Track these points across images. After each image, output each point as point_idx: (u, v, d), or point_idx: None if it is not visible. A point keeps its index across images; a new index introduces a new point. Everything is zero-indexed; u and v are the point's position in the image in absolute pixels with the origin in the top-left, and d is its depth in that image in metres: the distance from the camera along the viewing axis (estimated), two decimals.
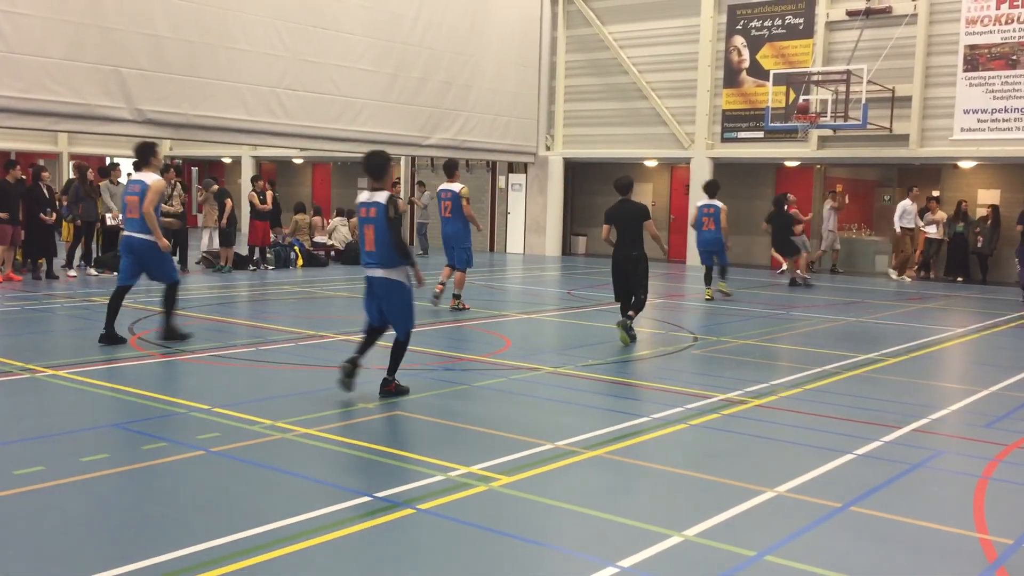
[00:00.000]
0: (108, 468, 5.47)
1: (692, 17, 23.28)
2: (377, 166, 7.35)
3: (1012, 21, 19.28)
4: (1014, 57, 19.28)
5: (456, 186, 13.08)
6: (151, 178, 9.52)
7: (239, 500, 5.06)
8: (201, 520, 4.70)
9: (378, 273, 7.37)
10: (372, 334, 7.67)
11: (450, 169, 13.21)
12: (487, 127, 23.36)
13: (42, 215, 15.43)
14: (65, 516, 4.73)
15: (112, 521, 4.69)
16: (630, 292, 10.66)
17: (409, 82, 20.98)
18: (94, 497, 5.03)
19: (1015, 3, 19.25)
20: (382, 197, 7.28)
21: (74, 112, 15.41)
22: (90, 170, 17.29)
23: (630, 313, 10.60)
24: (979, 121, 19.74)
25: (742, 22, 22.68)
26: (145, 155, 9.69)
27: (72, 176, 18.09)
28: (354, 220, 22.11)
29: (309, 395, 7.63)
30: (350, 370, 7.37)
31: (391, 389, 7.54)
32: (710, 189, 15.94)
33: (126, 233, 9.74)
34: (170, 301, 9.71)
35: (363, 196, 7.41)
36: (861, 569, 4.31)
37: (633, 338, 10.60)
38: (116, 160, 20.83)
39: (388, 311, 7.46)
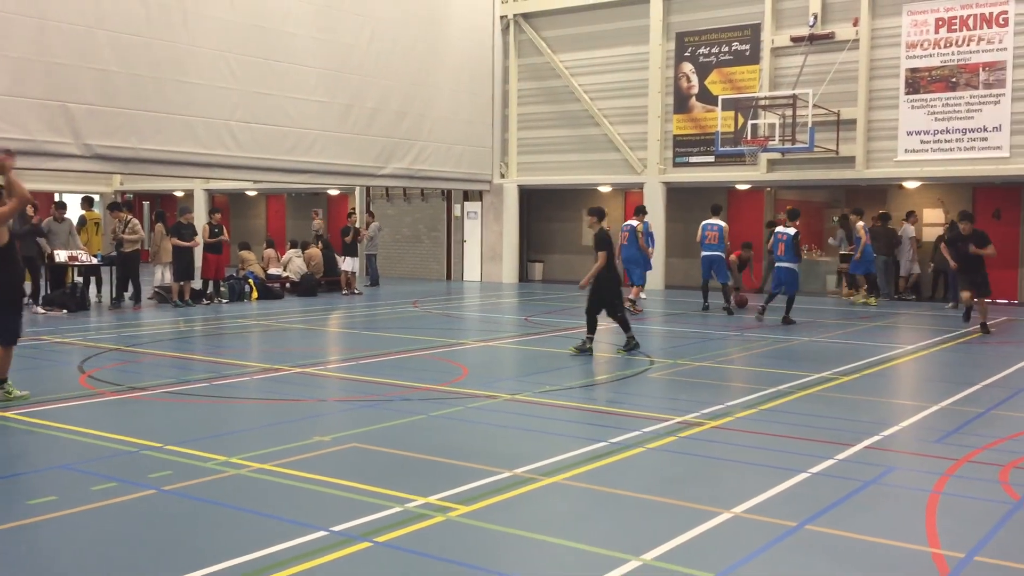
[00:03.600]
0: (56, 511, 5.35)
1: (641, 45, 23.62)
2: (796, 214, 16.06)
3: (951, 44, 19.83)
4: (953, 79, 19.81)
5: (634, 222, 17.46)
6: (725, 224, 17.27)
7: (192, 539, 4.98)
8: (154, 561, 4.61)
9: (785, 264, 15.51)
10: (771, 299, 16.07)
11: (639, 211, 17.71)
12: (442, 156, 23.43)
13: None
14: (9, 561, 4.61)
15: (61, 565, 4.58)
16: (599, 309, 11.92)
17: (363, 112, 20.99)
18: (41, 540, 4.92)
19: (953, 27, 19.82)
20: (791, 230, 15.51)
21: (20, 148, 15.07)
22: (29, 206, 16.91)
23: (629, 336, 12.13)
24: (922, 142, 20.23)
25: (690, 49, 23.06)
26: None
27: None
28: (311, 251, 22.05)
29: (264, 429, 7.55)
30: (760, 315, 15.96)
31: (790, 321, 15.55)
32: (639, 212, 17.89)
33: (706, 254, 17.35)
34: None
35: (780, 228, 15.99)
36: None
37: (634, 346, 12.09)
38: (63, 199, 20.44)
39: (786, 283, 15.58)
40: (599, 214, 12.03)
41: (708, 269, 17.90)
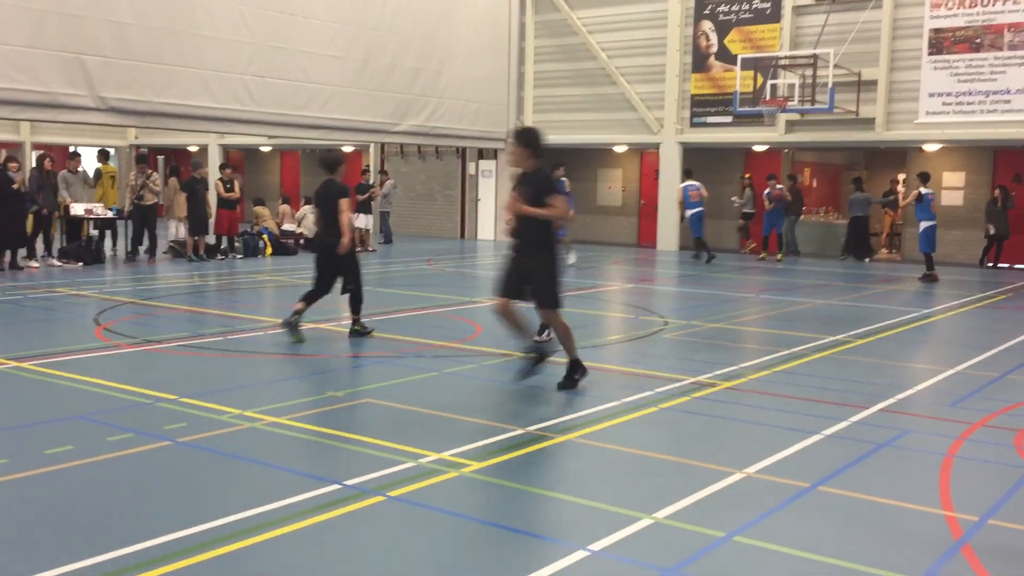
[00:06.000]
0: (73, 460, 5.40)
1: (660, 2, 23.27)
2: (928, 177, 16.94)
3: (976, 4, 19.45)
4: (978, 40, 19.46)
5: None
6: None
7: (207, 490, 5.02)
8: (168, 511, 4.65)
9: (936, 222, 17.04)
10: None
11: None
12: (457, 113, 23.25)
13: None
14: (29, 509, 4.66)
15: (78, 513, 4.63)
16: (330, 285, 9.56)
17: (379, 68, 20.81)
18: (59, 489, 4.96)
19: None
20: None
21: (36, 100, 15.15)
22: (48, 159, 16.95)
23: (355, 318, 9.68)
24: (944, 104, 19.93)
25: (710, 7, 22.71)
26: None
27: (34, 166, 17.76)
28: None
29: (277, 383, 7.58)
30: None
31: None
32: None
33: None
34: None
35: (923, 190, 16.55)
36: (829, 548, 4.35)
37: (365, 332, 9.60)
38: (78, 149, 20.46)
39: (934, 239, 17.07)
40: (333, 165, 9.59)
41: (699, 224, 20.46)
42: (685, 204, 20.77)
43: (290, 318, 9.37)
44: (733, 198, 23.40)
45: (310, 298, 9.48)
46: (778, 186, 20.94)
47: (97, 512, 4.66)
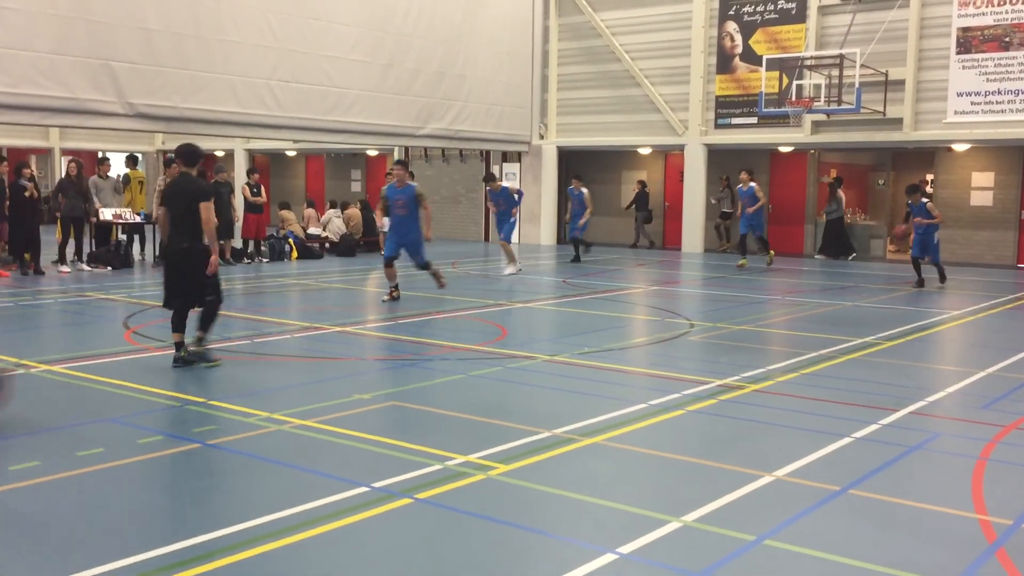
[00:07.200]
0: (104, 462, 5.45)
1: (684, 3, 23.18)
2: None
3: (1005, 3, 19.22)
4: (1007, 39, 19.24)
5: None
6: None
7: (236, 493, 5.04)
8: (198, 513, 4.69)
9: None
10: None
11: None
12: (481, 117, 23.28)
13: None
14: (61, 511, 4.71)
15: (108, 515, 4.67)
16: (185, 296, 8.32)
17: (403, 73, 20.89)
18: (90, 492, 5.01)
19: None
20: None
21: (64, 107, 15.30)
22: (71, 164, 17.13)
23: (198, 334, 8.29)
24: (972, 104, 19.71)
25: (734, 7, 22.60)
26: None
27: (63, 175, 17.98)
28: (350, 211, 22.12)
29: (304, 386, 7.61)
30: None
31: None
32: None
33: None
34: None
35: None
36: (860, 552, 4.31)
37: (207, 360, 8.16)
38: (107, 155, 20.69)
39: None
40: (190, 157, 8.35)
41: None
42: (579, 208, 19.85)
43: (195, 348, 8.27)
44: (712, 198, 23.64)
45: (176, 317, 8.29)
46: (751, 184, 19.26)
47: (129, 514, 4.69)
